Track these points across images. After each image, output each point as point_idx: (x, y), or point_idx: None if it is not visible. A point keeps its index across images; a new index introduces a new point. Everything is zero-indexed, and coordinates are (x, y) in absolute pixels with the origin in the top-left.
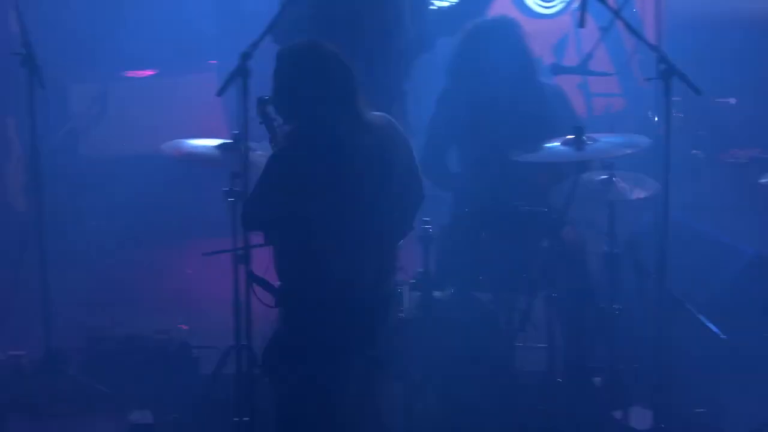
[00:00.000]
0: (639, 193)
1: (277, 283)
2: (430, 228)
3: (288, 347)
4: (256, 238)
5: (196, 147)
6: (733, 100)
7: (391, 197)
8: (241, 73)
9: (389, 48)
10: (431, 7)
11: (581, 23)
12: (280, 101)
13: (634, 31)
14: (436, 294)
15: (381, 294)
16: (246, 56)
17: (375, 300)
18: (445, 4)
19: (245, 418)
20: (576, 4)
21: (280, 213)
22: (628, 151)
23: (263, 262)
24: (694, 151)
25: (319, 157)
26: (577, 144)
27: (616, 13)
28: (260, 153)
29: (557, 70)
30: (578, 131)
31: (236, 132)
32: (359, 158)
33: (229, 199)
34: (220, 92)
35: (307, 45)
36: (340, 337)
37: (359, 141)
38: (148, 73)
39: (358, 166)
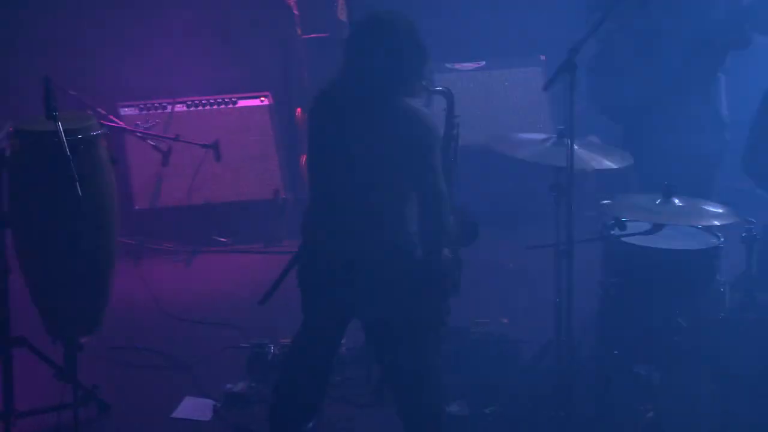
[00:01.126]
0: None
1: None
2: (754, 228)
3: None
4: None
5: (523, 141)
6: None
7: (388, 171)
8: (568, 69)
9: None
10: None
11: None
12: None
13: None
14: (758, 295)
15: (390, 259)
16: (574, 51)
17: (380, 264)
18: None
19: (562, 413)
20: None
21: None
22: None
23: None
24: None
25: (333, 107)
26: None
27: None
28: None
29: None
30: None
31: (562, 127)
32: (367, 117)
33: (553, 194)
34: (547, 86)
35: (390, 11)
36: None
37: (376, 109)
38: (476, 65)
39: (360, 125)
